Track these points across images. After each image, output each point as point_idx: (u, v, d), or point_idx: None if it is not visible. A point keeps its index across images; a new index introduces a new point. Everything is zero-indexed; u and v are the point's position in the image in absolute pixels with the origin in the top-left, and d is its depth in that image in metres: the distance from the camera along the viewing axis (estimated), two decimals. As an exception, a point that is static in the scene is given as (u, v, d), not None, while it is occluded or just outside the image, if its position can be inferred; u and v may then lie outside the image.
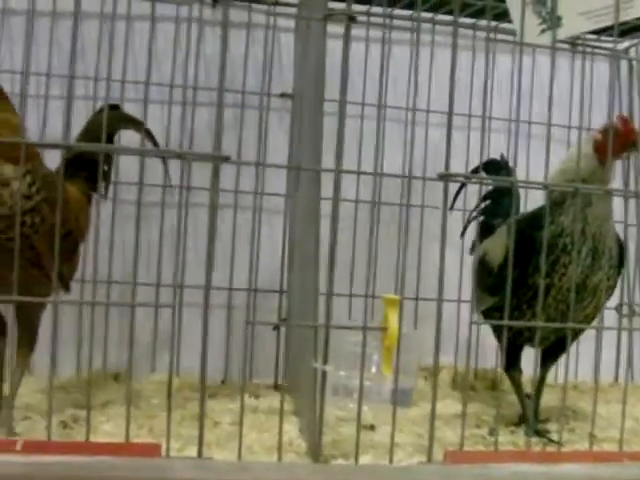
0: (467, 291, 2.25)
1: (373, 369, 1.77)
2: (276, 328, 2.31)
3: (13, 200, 1.59)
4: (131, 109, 1.85)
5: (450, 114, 1.56)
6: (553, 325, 1.88)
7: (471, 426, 1.97)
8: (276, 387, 2.31)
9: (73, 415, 1.84)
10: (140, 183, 1.54)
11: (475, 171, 2.16)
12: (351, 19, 1.50)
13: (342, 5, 1.53)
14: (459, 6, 1.70)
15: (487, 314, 2.04)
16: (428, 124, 2.42)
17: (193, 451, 1.53)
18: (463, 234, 2.36)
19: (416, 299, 2.41)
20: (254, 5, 2.35)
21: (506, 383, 2.07)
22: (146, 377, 2.27)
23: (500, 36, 2.14)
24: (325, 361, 1.53)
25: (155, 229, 2.23)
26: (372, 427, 1.90)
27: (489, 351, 2.32)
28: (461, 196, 2.32)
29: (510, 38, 1.89)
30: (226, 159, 1.48)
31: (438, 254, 1.57)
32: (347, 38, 1.49)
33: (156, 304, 1.70)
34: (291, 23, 2.30)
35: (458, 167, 1.80)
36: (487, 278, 2.03)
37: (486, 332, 2.10)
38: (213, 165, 1.48)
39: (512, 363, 2.02)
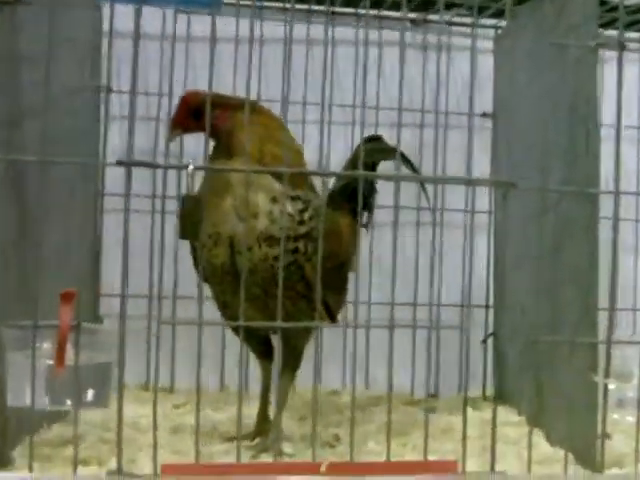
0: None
1: (635, 381, 1.83)
2: (484, 341, 2.37)
3: (283, 221, 1.63)
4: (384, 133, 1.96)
5: None
6: None
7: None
8: (484, 398, 2.37)
9: (333, 434, 1.90)
10: (396, 207, 1.61)
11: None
12: (622, 47, 1.56)
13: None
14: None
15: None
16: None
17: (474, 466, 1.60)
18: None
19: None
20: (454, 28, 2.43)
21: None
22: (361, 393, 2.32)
23: None
24: (607, 375, 1.60)
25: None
26: (608, 436, 1.96)
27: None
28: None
29: None
30: (513, 185, 1.54)
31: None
32: (620, 66, 1.56)
33: (414, 324, 1.77)
34: (488, 44, 2.39)
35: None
36: None
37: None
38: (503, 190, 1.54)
39: None
